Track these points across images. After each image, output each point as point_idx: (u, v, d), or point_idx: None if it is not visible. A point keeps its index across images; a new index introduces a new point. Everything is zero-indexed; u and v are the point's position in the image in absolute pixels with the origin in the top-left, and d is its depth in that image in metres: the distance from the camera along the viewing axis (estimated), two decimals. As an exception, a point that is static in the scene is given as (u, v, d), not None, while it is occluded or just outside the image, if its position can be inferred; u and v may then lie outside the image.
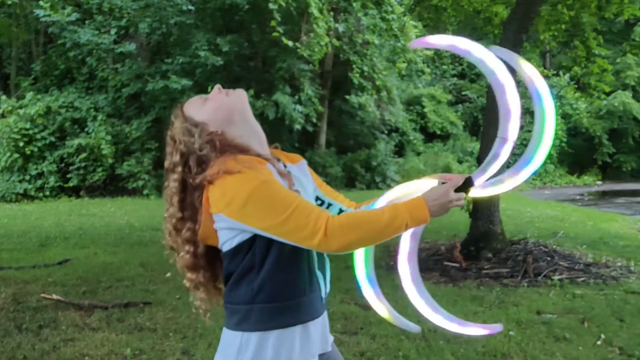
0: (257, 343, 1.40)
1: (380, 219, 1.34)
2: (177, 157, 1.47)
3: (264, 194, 1.33)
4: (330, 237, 1.30)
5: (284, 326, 1.41)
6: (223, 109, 1.50)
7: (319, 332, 1.51)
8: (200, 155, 1.44)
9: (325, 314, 1.56)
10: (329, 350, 1.57)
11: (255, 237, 1.39)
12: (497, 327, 1.59)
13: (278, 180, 1.39)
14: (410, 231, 1.56)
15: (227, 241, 1.42)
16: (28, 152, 14.51)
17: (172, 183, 1.48)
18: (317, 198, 1.64)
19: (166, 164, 1.50)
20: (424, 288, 1.59)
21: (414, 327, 1.64)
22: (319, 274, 1.50)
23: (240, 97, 1.54)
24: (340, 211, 1.65)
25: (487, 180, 1.49)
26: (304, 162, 1.63)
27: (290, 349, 1.42)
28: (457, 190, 1.42)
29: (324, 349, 1.54)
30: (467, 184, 1.44)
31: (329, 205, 1.65)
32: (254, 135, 1.52)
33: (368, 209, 1.61)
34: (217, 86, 1.56)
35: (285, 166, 1.55)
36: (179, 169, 1.46)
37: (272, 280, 1.40)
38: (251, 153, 1.46)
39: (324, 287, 1.52)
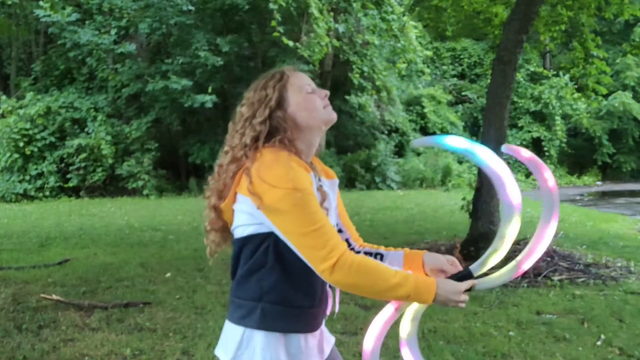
0: (258, 341, 1.41)
1: (388, 278, 1.34)
2: (249, 114, 1.48)
3: (299, 200, 1.33)
4: (337, 269, 1.31)
5: (287, 331, 1.42)
6: (312, 110, 1.50)
7: (315, 345, 1.52)
8: (265, 129, 1.45)
9: (323, 327, 1.57)
10: (325, 357, 1.57)
11: (270, 235, 1.39)
12: None
13: (314, 193, 1.40)
14: (410, 315, 1.59)
15: (241, 226, 1.42)
16: (28, 152, 14.52)
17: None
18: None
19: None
20: None
21: None
22: (328, 290, 1.51)
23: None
24: (347, 241, 1.66)
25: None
26: (336, 181, 1.63)
27: (287, 355, 1.43)
28: (467, 290, 1.44)
29: (321, 357, 1.55)
30: (468, 275, 1.48)
31: (339, 230, 1.65)
32: (310, 146, 1.52)
33: (369, 252, 1.63)
34: (326, 92, 1.54)
35: (320, 179, 1.54)
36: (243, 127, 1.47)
37: (284, 283, 1.41)
38: (298, 156, 1.46)
39: (331, 305, 1.54)
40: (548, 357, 3.46)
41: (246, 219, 1.40)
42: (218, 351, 1.48)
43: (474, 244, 6.16)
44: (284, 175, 1.34)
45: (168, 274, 5.61)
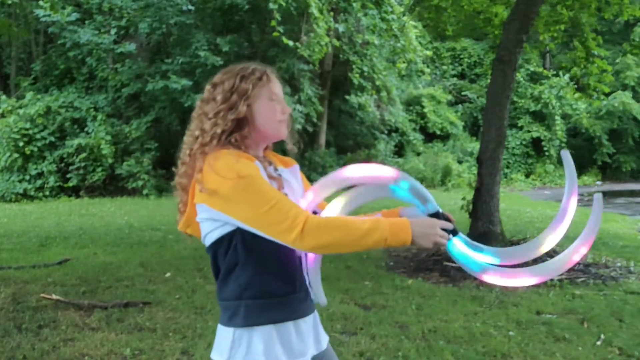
0: (249, 338, 1.42)
1: (360, 227, 1.32)
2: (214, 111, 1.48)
3: (248, 186, 1.35)
4: (306, 234, 1.30)
5: (274, 322, 1.44)
6: (271, 120, 1.52)
7: (311, 332, 1.53)
8: (234, 125, 1.47)
9: (316, 315, 1.58)
10: (323, 349, 1.58)
11: (236, 231, 1.40)
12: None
13: (262, 176, 1.41)
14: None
15: (208, 234, 1.45)
16: (28, 152, 14.51)
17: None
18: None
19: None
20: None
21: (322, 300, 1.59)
22: (306, 275, 1.52)
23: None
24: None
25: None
26: (296, 167, 1.65)
27: (282, 345, 1.44)
28: (444, 229, 1.41)
29: (318, 349, 1.56)
30: (453, 230, 1.44)
31: (314, 212, 1.63)
32: (257, 146, 1.54)
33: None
34: (289, 110, 1.56)
35: (277, 169, 1.56)
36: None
37: (259, 276, 1.42)
38: (246, 152, 1.48)
39: (312, 289, 1.54)
40: (548, 357, 3.46)
41: (210, 225, 1.43)
42: (214, 354, 1.49)
43: (474, 243, 6.16)
44: (228, 166, 1.36)
45: (168, 274, 5.61)
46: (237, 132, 1.48)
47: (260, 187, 1.36)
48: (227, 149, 1.44)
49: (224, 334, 1.46)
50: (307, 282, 1.52)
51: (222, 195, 1.35)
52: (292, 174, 1.60)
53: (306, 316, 1.51)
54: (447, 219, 1.46)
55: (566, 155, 1.49)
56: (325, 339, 1.61)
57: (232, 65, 1.56)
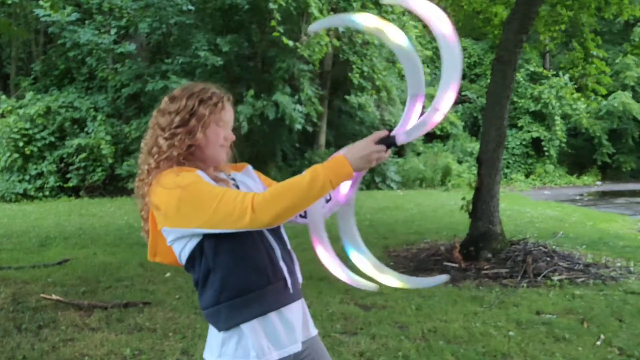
0: (238, 336, 1.46)
1: (301, 182, 1.35)
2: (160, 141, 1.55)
3: (192, 193, 1.39)
4: (258, 212, 1.33)
5: (256, 316, 1.46)
6: (214, 146, 1.56)
7: (299, 319, 1.56)
8: (186, 148, 1.51)
9: (302, 302, 1.59)
10: (311, 336, 1.60)
11: (203, 242, 1.44)
12: (443, 278, 1.58)
13: (204, 180, 1.44)
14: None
15: (181, 252, 1.49)
16: (28, 152, 14.51)
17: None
18: None
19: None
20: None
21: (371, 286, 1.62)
22: (282, 264, 1.53)
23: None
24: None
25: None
26: (249, 168, 1.70)
27: (268, 337, 1.47)
28: (379, 143, 1.41)
29: (306, 336, 1.58)
30: (389, 139, 1.43)
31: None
32: (203, 160, 1.57)
33: None
34: (232, 137, 1.60)
35: (229, 174, 1.61)
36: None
37: (231, 276, 1.45)
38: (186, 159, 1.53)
39: (290, 277, 1.55)
40: (548, 357, 3.46)
41: (180, 244, 1.47)
42: (205, 354, 1.53)
43: (474, 244, 6.17)
44: (171, 180, 1.42)
45: (167, 274, 5.61)
46: (187, 153, 1.52)
47: (202, 190, 1.40)
48: (176, 166, 1.50)
49: (214, 337, 1.51)
50: (284, 271, 1.53)
51: (174, 210, 1.40)
52: (245, 175, 1.65)
53: (289, 304, 1.53)
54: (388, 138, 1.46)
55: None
56: (313, 327, 1.63)
57: (192, 84, 1.60)
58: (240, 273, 1.45)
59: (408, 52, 1.51)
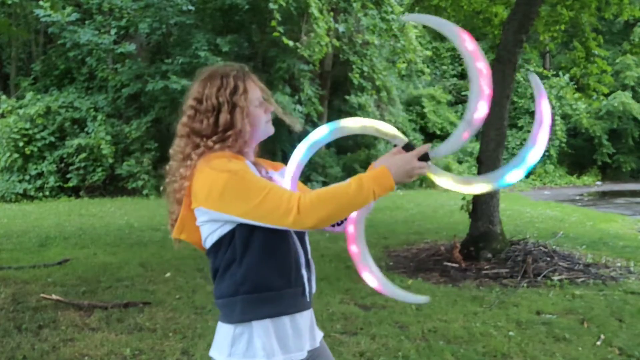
0: (249, 334, 1.46)
1: (347, 190, 1.37)
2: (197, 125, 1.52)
3: (239, 182, 1.39)
4: (303, 213, 1.34)
5: (270, 316, 1.46)
6: (257, 125, 1.57)
7: (307, 328, 1.56)
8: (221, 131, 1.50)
9: (312, 312, 1.61)
10: (317, 346, 1.61)
11: (235, 230, 1.44)
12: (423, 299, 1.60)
13: (253, 172, 1.46)
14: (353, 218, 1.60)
15: (209, 235, 1.48)
16: (28, 152, 14.52)
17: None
18: None
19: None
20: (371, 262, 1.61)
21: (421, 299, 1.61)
22: (303, 271, 1.54)
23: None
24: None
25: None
26: (285, 169, 1.69)
27: (278, 340, 1.47)
28: (420, 159, 1.45)
29: (312, 345, 1.59)
30: (427, 156, 1.47)
31: None
32: (243, 150, 1.57)
33: None
34: (272, 108, 1.61)
35: (267, 172, 1.61)
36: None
37: (255, 271, 1.45)
38: (237, 147, 1.52)
39: (308, 286, 1.56)
40: (548, 357, 3.46)
41: (211, 227, 1.47)
42: (213, 352, 1.52)
43: (474, 244, 6.17)
44: (222, 163, 1.42)
45: (168, 274, 5.61)
46: (231, 140, 1.52)
47: (251, 180, 1.40)
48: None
49: (224, 332, 1.49)
50: (304, 278, 1.54)
51: (217, 193, 1.39)
52: (281, 175, 1.65)
53: (302, 311, 1.54)
54: (410, 146, 1.49)
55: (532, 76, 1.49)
56: (319, 336, 1.64)
57: (209, 76, 1.55)
58: (264, 270, 1.46)
59: (400, 139, 1.57)
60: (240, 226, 1.43)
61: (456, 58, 25.16)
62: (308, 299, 1.56)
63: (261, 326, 1.45)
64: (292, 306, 1.50)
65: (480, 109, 1.45)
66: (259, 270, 1.45)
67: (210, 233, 1.47)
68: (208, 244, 1.50)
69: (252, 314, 1.45)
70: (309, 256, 1.59)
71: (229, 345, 1.46)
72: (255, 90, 1.58)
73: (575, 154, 24.14)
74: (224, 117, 1.50)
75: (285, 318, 1.49)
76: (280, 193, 1.38)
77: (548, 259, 5.91)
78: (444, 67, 24.93)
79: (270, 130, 1.61)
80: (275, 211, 1.36)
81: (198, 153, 1.48)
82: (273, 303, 1.47)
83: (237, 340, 1.46)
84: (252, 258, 1.45)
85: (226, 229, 1.44)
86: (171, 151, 1.56)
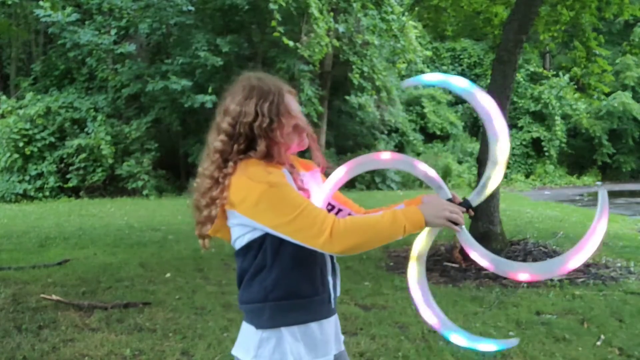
0: (277, 339, 1.46)
1: (381, 222, 1.40)
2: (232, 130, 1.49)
3: (276, 194, 1.39)
4: (334, 238, 1.35)
5: (299, 323, 1.48)
6: (296, 140, 1.56)
7: (333, 333, 1.58)
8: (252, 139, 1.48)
9: (337, 317, 1.62)
10: (342, 349, 1.63)
11: (265, 236, 1.44)
12: (513, 342, 1.59)
13: (290, 184, 1.46)
14: (415, 254, 1.63)
15: (238, 238, 1.49)
16: (28, 153, 14.52)
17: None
18: (328, 203, 1.68)
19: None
20: (434, 304, 1.61)
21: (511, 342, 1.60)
22: (330, 278, 1.56)
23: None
24: (349, 215, 1.69)
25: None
26: (317, 171, 1.68)
27: (306, 345, 1.49)
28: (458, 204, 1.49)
29: (338, 349, 1.60)
30: (466, 202, 1.53)
31: (339, 210, 1.69)
32: (280, 156, 1.55)
33: None
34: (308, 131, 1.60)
35: (299, 173, 1.61)
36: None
37: (285, 278, 1.46)
38: (275, 158, 1.50)
39: (334, 292, 1.58)
40: (548, 357, 3.46)
41: (240, 230, 1.48)
42: (237, 351, 1.53)
43: (474, 244, 6.16)
44: (260, 173, 1.42)
45: (168, 274, 5.61)
46: (269, 152, 1.49)
47: (288, 195, 1.40)
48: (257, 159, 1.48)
49: (251, 334, 1.50)
50: (330, 285, 1.56)
51: (252, 202, 1.40)
52: (312, 177, 1.64)
53: (329, 317, 1.56)
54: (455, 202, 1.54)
55: (602, 190, 1.52)
56: (342, 342, 1.65)
57: (248, 84, 1.53)
58: (294, 277, 1.47)
59: (484, 104, 1.58)
60: (270, 234, 1.43)
61: (456, 58, 25.17)
62: (333, 305, 1.58)
63: (289, 332, 1.47)
64: (320, 313, 1.52)
65: (504, 148, 1.52)
66: (289, 277, 1.46)
67: (240, 236, 1.48)
68: (237, 245, 1.51)
69: (281, 320, 1.47)
70: (335, 261, 1.60)
71: (256, 347, 1.47)
72: (294, 104, 1.56)
73: (575, 154, 24.14)
74: (262, 132, 1.47)
75: (313, 324, 1.50)
76: (315, 213, 1.39)
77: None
78: (444, 67, 24.91)
79: (307, 142, 1.59)
80: (307, 230, 1.37)
81: (235, 160, 1.47)
82: (301, 310, 1.48)
83: (264, 343, 1.47)
84: (282, 265, 1.46)
85: (256, 234, 1.45)
86: (207, 153, 1.54)
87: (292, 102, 1.55)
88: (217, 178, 1.46)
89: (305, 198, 1.45)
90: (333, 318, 1.58)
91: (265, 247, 1.45)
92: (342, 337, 1.65)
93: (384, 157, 1.63)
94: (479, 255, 1.53)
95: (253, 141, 1.48)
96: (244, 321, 1.54)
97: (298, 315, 1.48)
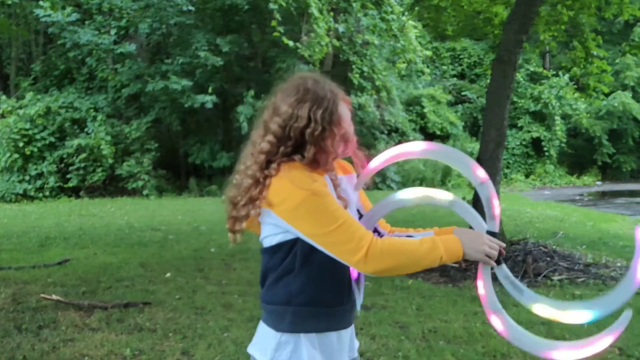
0: (295, 344, 1.45)
1: (417, 249, 1.37)
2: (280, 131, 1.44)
3: (316, 203, 1.36)
4: (370, 258, 1.33)
5: (319, 331, 1.47)
6: (347, 146, 1.52)
7: (348, 341, 1.57)
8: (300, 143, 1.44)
9: (353, 324, 1.62)
10: (354, 356, 1.62)
11: (297, 240, 1.42)
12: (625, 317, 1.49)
13: (331, 193, 1.43)
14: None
15: (268, 236, 1.47)
16: (28, 153, 14.52)
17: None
18: (357, 211, 1.66)
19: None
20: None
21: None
22: (355, 288, 1.55)
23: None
24: (375, 230, 1.68)
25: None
26: (353, 175, 1.66)
27: (323, 353, 1.48)
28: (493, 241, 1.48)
29: (351, 356, 1.60)
30: (496, 234, 1.52)
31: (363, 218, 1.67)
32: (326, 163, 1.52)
33: (399, 236, 1.66)
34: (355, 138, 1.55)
35: (336, 176, 1.58)
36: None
37: (311, 285, 1.45)
38: (320, 166, 1.47)
39: (359, 300, 1.58)
40: (548, 357, 3.46)
41: (272, 230, 1.45)
42: (253, 350, 1.52)
43: (474, 244, 6.16)
44: (303, 179, 1.38)
45: (168, 274, 5.61)
46: (315, 158, 1.46)
47: (329, 206, 1.37)
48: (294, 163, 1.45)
49: (269, 335, 1.49)
50: (355, 295, 1.56)
51: (291, 206, 1.37)
52: (349, 181, 1.62)
53: (349, 327, 1.56)
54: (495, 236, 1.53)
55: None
56: (356, 346, 1.64)
57: (302, 86, 1.49)
58: (321, 285, 1.45)
59: (459, 203, 1.62)
60: (302, 240, 1.41)
61: (456, 58, 25.17)
62: (354, 315, 1.58)
63: (308, 339, 1.46)
64: (341, 323, 1.52)
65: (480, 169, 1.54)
66: (315, 284, 1.45)
67: (270, 235, 1.46)
68: (266, 244, 1.48)
69: (302, 326, 1.45)
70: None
71: (273, 349, 1.46)
72: (346, 112, 1.51)
73: (575, 154, 24.14)
74: (313, 139, 1.43)
75: (332, 334, 1.50)
76: (353, 229, 1.36)
77: (548, 259, 5.90)
78: (444, 67, 24.92)
79: (350, 151, 1.56)
80: (343, 245, 1.34)
81: (279, 162, 1.43)
82: (323, 319, 1.47)
83: (282, 347, 1.46)
84: (310, 272, 1.44)
85: (288, 236, 1.43)
86: (251, 152, 1.49)
87: (345, 110, 1.50)
88: (258, 178, 1.42)
89: (346, 211, 1.41)
90: (351, 327, 1.57)
91: (296, 250, 1.43)
92: (356, 344, 1.64)
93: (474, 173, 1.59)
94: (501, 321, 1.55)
95: (301, 146, 1.43)
96: (262, 321, 1.53)
97: (319, 323, 1.47)
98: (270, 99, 1.52)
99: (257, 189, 1.42)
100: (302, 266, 1.43)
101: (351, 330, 1.59)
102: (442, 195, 1.64)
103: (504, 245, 1.51)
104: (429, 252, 1.37)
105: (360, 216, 1.64)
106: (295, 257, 1.43)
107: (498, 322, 1.59)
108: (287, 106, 1.44)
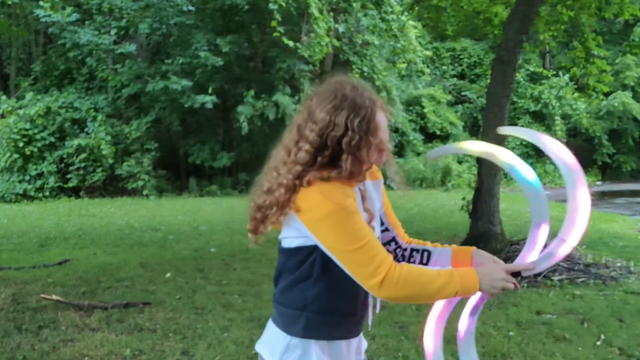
0: (304, 348, 1.45)
1: (434, 281, 1.36)
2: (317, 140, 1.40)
3: (343, 219, 1.34)
4: (385, 285, 1.33)
5: (329, 338, 1.47)
6: (382, 156, 1.48)
7: (355, 347, 1.58)
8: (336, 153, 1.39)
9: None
10: (362, 358, 1.63)
11: (316, 247, 1.40)
12: None
13: (359, 209, 1.40)
14: (468, 310, 1.60)
15: (288, 238, 1.45)
16: (28, 153, 14.52)
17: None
18: (380, 219, 1.65)
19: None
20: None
21: None
22: (370, 300, 1.55)
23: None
24: (393, 239, 1.66)
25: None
26: (380, 182, 1.63)
27: (334, 357, 1.48)
28: (512, 274, 1.46)
29: (358, 359, 1.61)
30: (518, 274, 1.49)
31: (386, 229, 1.66)
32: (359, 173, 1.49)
33: (416, 249, 1.64)
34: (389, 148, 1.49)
35: (364, 184, 1.55)
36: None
37: (328, 293, 1.44)
38: (355, 177, 1.43)
39: (371, 312, 1.59)
40: (548, 357, 3.46)
41: (293, 232, 1.43)
42: (261, 349, 1.52)
43: (474, 244, 6.14)
44: (334, 192, 1.35)
45: (168, 274, 5.61)
46: (349, 168, 1.41)
47: (355, 224, 1.35)
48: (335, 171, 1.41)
49: (279, 337, 1.48)
50: (370, 306, 1.56)
51: (317, 216, 1.35)
52: (375, 187, 1.60)
53: (358, 335, 1.56)
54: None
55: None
56: (364, 347, 1.65)
57: (340, 93, 1.45)
58: (336, 295, 1.45)
59: (532, 184, 1.60)
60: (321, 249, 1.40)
61: (456, 58, 25.17)
62: (370, 326, 1.59)
63: (318, 345, 1.46)
64: (351, 332, 1.52)
65: (577, 229, 1.52)
66: (332, 293, 1.44)
67: (290, 237, 1.44)
68: (285, 244, 1.47)
69: (313, 333, 1.45)
70: None
71: (282, 351, 1.46)
72: (384, 121, 1.47)
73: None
74: (350, 148, 1.39)
75: (342, 342, 1.50)
76: (374, 252, 1.34)
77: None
78: (444, 67, 24.91)
79: (384, 160, 1.51)
80: (361, 267, 1.33)
81: (312, 178, 1.38)
82: (336, 327, 1.47)
83: (290, 349, 1.45)
84: (327, 281, 1.43)
85: (308, 242, 1.41)
86: (284, 160, 1.44)
87: (382, 119, 1.46)
88: (289, 187, 1.39)
89: (370, 232, 1.38)
90: (360, 334, 1.58)
91: (315, 257, 1.41)
92: (364, 345, 1.64)
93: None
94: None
95: (337, 156, 1.39)
96: (272, 321, 1.52)
97: (331, 331, 1.47)
98: (306, 101, 1.48)
99: (286, 196, 1.40)
100: (321, 274, 1.42)
101: (360, 336, 1.59)
102: (504, 157, 1.62)
103: (525, 266, 1.49)
104: (444, 286, 1.35)
105: (380, 224, 1.62)
106: (314, 263, 1.42)
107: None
108: (323, 113, 1.40)
